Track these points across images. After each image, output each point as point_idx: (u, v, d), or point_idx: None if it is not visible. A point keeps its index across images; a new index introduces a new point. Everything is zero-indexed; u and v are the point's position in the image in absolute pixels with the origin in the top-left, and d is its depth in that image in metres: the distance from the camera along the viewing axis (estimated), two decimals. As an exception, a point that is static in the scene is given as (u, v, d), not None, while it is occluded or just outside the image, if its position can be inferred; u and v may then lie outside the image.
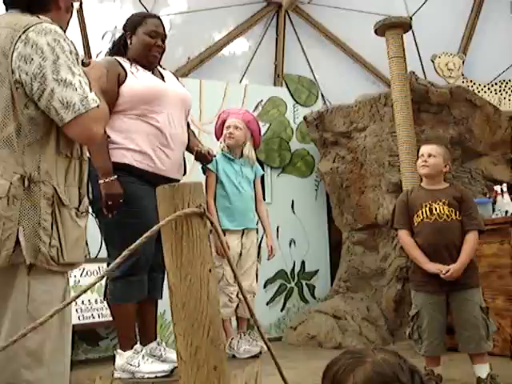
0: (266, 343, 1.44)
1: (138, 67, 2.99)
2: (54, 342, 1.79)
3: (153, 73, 3.06)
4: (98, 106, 1.78)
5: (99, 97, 1.83)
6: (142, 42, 3.04)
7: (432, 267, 3.42)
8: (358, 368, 1.26)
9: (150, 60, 3.06)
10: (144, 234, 2.67)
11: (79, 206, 1.88)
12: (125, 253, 1.25)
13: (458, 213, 3.52)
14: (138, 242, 1.20)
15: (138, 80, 2.87)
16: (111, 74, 2.76)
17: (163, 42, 3.10)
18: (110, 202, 2.64)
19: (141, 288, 2.83)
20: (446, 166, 3.67)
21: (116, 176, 2.69)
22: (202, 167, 3.69)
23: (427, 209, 3.53)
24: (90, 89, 1.81)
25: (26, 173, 1.73)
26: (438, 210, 3.50)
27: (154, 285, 2.89)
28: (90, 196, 2.28)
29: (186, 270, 1.24)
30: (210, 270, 1.27)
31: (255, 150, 3.98)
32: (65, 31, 1.91)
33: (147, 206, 2.64)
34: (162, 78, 3.11)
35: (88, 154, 2.09)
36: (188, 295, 1.25)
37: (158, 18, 3.15)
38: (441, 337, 3.49)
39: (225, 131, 3.81)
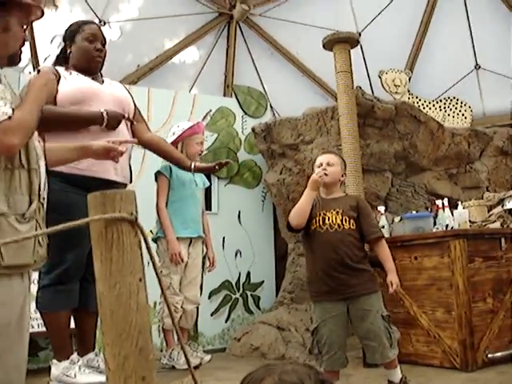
0: (187, 360, 1.43)
1: (73, 72, 2.97)
2: (11, 346, 1.78)
3: (93, 79, 3.04)
4: (9, 118, 1.79)
5: (18, 108, 1.84)
6: (81, 47, 3.05)
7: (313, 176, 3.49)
8: (266, 378, 1.30)
9: (92, 65, 3.05)
10: (74, 243, 2.65)
11: (26, 211, 1.88)
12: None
13: (352, 222, 3.52)
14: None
15: (67, 82, 2.85)
16: (51, 81, 2.73)
17: (103, 45, 3.10)
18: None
19: (69, 297, 2.79)
20: (342, 176, 3.71)
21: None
22: (156, 173, 3.69)
23: (320, 218, 3.53)
24: (9, 103, 1.81)
25: None
26: (330, 220, 3.51)
27: (88, 295, 2.85)
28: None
29: (116, 279, 1.22)
30: (140, 280, 1.26)
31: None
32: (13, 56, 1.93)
33: (78, 214, 2.58)
34: (102, 82, 3.09)
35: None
36: (117, 304, 1.23)
37: (95, 23, 3.17)
38: (341, 351, 3.47)
39: (196, 147, 3.84)
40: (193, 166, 3.36)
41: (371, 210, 3.82)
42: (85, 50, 3.04)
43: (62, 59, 3.09)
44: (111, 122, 2.77)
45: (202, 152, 3.86)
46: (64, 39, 3.10)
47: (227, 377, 3.74)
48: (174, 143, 3.84)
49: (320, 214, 3.55)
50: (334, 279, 3.45)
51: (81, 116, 2.75)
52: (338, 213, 3.54)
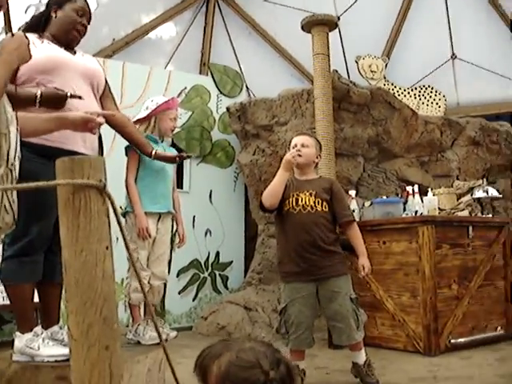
0: (158, 334, 1.42)
1: (45, 40, 2.91)
2: None
3: (66, 49, 2.99)
4: None
5: None
6: (68, 17, 2.98)
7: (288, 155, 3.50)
8: (224, 354, 1.32)
9: (70, 37, 3.00)
10: (40, 214, 2.60)
11: None
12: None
13: (325, 204, 3.54)
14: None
15: (36, 49, 2.77)
16: None
17: (88, 22, 3.06)
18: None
19: (34, 269, 2.75)
20: (317, 157, 3.72)
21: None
22: (126, 147, 3.65)
23: (294, 199, 3.54)
24: None
25: None
26: (303, 201, 3.52)
27: (53, 267, 2.80)
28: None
29: (82, 246, 1.20)
30: (106, 248, 1.24)
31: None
32: None
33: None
34: (74, 54, 3.04)
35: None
36: (82, 272, 1.21)
37: None
38: (308, 331, 3.51)
39: (169, 122, 3.79)
40: (153, 153, 3.34)
41: (344, 194, 3.84)
42: (71, 22, 2.98)
43: (40, 21, 3.01)
44: (48, 103, 2.67)
45: (174, 128, 3.82)
46: (50, 3, 3.02)
47: (193, 354, 3.72)
48: (148, 118, 3.78)
49: (293, 195, 3.55)
50: (305, 260, 3.47)
51: (17, 96, 2.68)
52: (311, 194, 3.54)
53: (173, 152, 3.76)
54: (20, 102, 2.70)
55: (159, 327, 3.43)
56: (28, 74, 2.74)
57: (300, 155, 3.57)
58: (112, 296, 1.25)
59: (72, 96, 2.75)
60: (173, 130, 3.83)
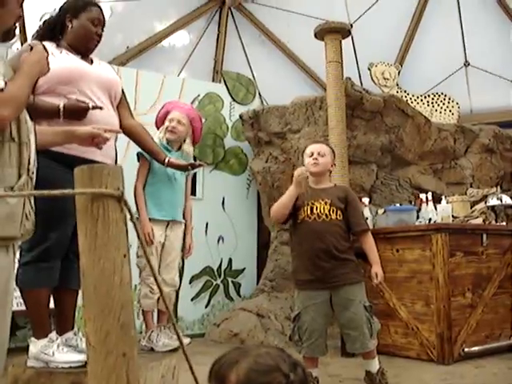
0: (179, 338, 1.43)
1: (63, 50, 2.93)
2: None
3: (83, 58, 3.01)
4: (1, 90, 1.78)
5: (11, 81, 1.84)
6: (84, 27, 3.00)
7: (295, 172, 3.48)
8: (241, 360, 1.31)
9: (87, 46, 3.03)
10: (58, 221, 2.63)
11: (15, 185, 1.86)
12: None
13: (339, 213, 3.54)
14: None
15: (56, 60, 2.80)
16: None
17: (102, 30, 3.08)
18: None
19: (50, 275, 2.76)
20: (332, 166, 3.72)
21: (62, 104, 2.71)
22: (138, 154, 3.68)
23: (309, 207, 3.54)
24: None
25: None
26: (318, 210, 3.52)
27: (69, 273, 2.82)
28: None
29: (100, 253, 1.21)
30: (124, 256, 1.25)
31: (194, 145, 4.00)
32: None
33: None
34: (91, 62, 3.06)
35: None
36: (100, 279, 1.22)
37: (100, 7, 3.13)
38: (321, 339, 3.51)
39: (167, 123, 3.81)
40: (166, 161, 3.36)
41: (359, 203, 3.84)
42: (87, 32, 3.00)
43: (55, 30, 3.03)
44: (70, 115, 2.73)
45: (173, 129, 3.80)
46: (65, 11, 3.04)
47: (205, 361, 3.72)
48: (157, 126, 3.88)
49: (308, 204, 3.55)
50: (320, 268, 3.47)
51: (41, 108, 2.72)
52: (326, 203, 3.54)
53: (188, 160, 3.77)
54: (43, 114, 2.74)
55: (173, 334, 3.45)
56: (47, 85, 2.77)
57: (317, 163, 3.58)
58: (129, 303, 1.26)
59: (94, 107, 2.80)
60: (172, 132, 3.80)
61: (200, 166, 3.60)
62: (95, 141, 2.45)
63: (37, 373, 2.65)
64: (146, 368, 2.84)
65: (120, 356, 1.23)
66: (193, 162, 3.57)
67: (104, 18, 3.11)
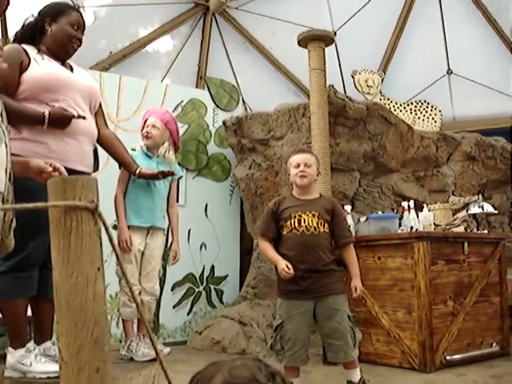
0: (155, 349, 1.40)
1: (45, 56, 2.90)
2: None
3: (62, 64, 2.99)
4: None
5: None
6: (64, 31, 2.97)
7: (283, 264, 3.39)
8: (216, 374, 1.28)
9: (67, 51, 3.00)
10: (36, 230, 2.59)
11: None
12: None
13: (326, 226, 3.51)
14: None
15: (40, 67, 2.79)
16: (14, 61, 2.70)
17: (82, 34, 3.06)
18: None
19: (28, 284, 2.73)
20: (317, 175, 3.69)
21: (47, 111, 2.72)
22: (119, 162, 3.67)
23: (296, 220, 3.49)
24: None
25: None
26: (306, 222, 3.48)
27: (47, 283, 2.78)
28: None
29: (73, 267, 1.19)
30: (98, 269, 1.23)
31: (175, 151, 3.98)
32: None
33: (43, 201, 2.53)
34: (71, 69, 3.04)
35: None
36: (73, 293, 1.19)
37: (80, 11, 3.11)
38: (304, 348, 3.47)
39: (145, 128, 3.82)
40: (137, 172, 3.35)
41: (345, 214, 3.81)
42: (67, 36, 2.97)
43: (34, 33, 3.00)
44: (54, 123, 2.72)
45: (147, 135, 3.79)
46: (43, 14, 3.01)
47: (186, 370, 3.71)
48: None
49: (295, 216, 3.51)
50: (306, 280, 3.44)
51: (25, 114, 2.70)
52: (314, 215, 3.50)
53: (174, 169, 3.76)
54: (25, 119, 2.71)
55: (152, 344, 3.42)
56: (31, 91, 2.74)
57: (305, 176, 3.55)
58: (103, 317, 1.24)
59: (78, 117, 2.78)
60: (148, 137, 3.80)
61: (170, 174, 3.56)
62: (43, 176, 2.31)
63: (14, 383, 2.61)
64: (125, 378, 2.81)
65: (93, 371, 1.21)
66: (163, 170, 3.54)
67: (84, 22, 3.09)
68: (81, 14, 3.11)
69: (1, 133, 1.90)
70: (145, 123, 3.87)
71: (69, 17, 3.00)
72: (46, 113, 2.71)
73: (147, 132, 3.79)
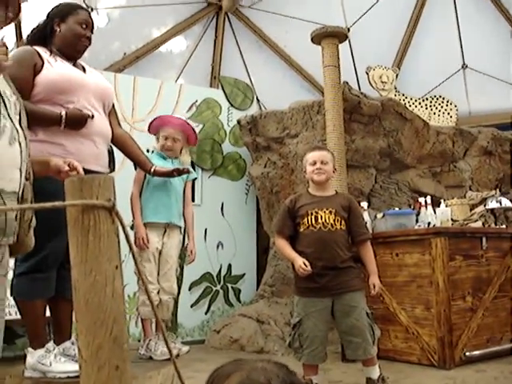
0: (168, 348, 1.40)
1: (58, 58, 2.93)
2: None
3: (74, 64, 3.01)
4: None
5: None
6: (72, 30, 2.99)
7: (300, 261, 3.40)
8: (234, 373, 1.28)
9: (77, 49, 3.02)
10: (54, 231, 2.60)
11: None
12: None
13: (343, 222, 3.52)
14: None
15: (53, 69, 2.81)
16: (27, 64, 2.73)
17: (91, 32, 3.08)
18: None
19: (46, 285, 2.75)
20: (333, 172, 3.69)
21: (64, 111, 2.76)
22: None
23: (313, 217, 3.50)
24: None
25: None
26: (323, 219, 3.48)
27: (65, 283, 2.80)
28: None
29: (91, 266, 1.20)
30: (116, 267, 1.23)
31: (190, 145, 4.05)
32: None
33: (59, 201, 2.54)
34: (84, 70, 3.06)
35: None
36: (92, 292, 1.20)
37: (88, 11, 3.14)
38: (322, 346, 3.48)
39: (162, 141, 3.84)
40: (152, 170, 3.37)
41: (361, 211, 3.81)
42: (76, 35, 3.00)
43: (45, 35, 3.02)
44: (71, 123, 2.75)
45: (169, 147, 3.83)
46: (52, 16, 3.03)
47: (205, 368, 3.71)
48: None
49: (312, 213, 3.51)
50: (324, 277, 3.44)
51: (42, 115, 2.72)
52: (330, 212, 3.51)
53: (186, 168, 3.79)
54: (41, 121, 2.73)
55: (171, 342, 3.43)
56: (45, 93, 2.77)
57: (321, 173, 3.55)
58: (122, 316, 1.24)
59: (93, 116, 2.81)
60: (169, 150, 3.84)
61: (185, 171, 3.57)
62: (61, 174, 2.34)
63: (34, 383, 2.63)
64: (144, 377, 2.82)
65: (113, 369, 1.21)
66: (178, 167, 3.56)
67: (92, 21, 3.11)
68: (89, 12, 3.14)
69: (14, 132, 1.91)
70: (159, 127, 3.90)
71: (77, 16, 3.03)
72: (63, 113, 2.73)
73: (169, 146, 3.85)
